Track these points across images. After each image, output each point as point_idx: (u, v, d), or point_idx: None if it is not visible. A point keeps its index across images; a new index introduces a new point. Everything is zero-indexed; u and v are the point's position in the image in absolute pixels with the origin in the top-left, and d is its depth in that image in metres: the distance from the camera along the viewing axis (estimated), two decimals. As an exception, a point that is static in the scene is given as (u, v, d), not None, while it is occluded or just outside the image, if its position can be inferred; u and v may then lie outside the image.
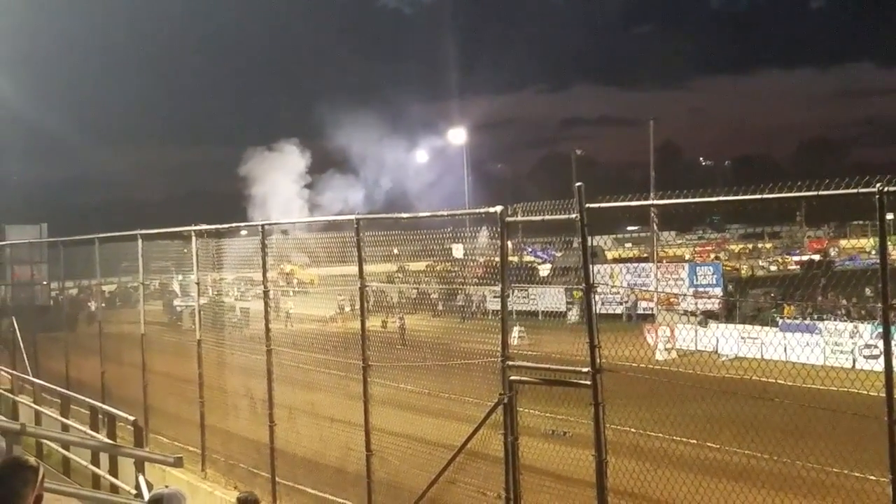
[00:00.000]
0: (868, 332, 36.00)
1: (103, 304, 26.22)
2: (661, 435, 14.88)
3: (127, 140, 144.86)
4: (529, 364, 11.24)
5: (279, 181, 46.95)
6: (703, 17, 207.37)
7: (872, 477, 7.86)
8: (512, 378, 10.72)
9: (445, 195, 66.13)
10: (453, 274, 20.20)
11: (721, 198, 10.11)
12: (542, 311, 41.31)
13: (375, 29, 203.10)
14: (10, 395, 17.73)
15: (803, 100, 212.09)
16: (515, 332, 14.77)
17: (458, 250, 16.22)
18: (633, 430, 12.31)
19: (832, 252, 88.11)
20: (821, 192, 8.63)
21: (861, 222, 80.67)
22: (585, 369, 9.73)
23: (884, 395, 7.68)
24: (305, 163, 48.63)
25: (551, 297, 44.20)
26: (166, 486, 8.51)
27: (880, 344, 8.57)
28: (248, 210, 45.24)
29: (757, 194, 8.97)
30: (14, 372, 24.13)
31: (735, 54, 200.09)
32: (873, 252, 8.53)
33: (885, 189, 7.64)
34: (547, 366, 11.51)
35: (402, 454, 13.25)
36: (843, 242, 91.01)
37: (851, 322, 40.52)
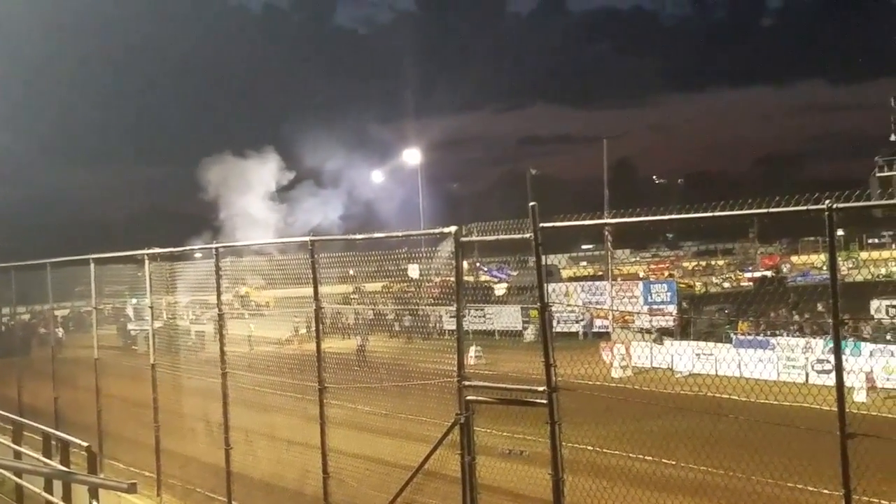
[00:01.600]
0: (820, 347, 36.27)
1: (57, 329, 25.99)
2: (618, 452, 14.95)
3: (87, 159, 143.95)
4: (486, 384, 11.25)
5: (242, 195, 46.74)
6: (658, 37, 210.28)
7: (826, 491, 7.90)
8: (469, 398, 10.72)
9: (404, 215, 66.33)
10: (409, 294, 20.20)
11: (673, 216, 10.19)
12: (499, 330, 41.46)
13: (333, 49, 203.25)
14: (-40, 421, 17.54)
15: (757, 117, 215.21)
16: (472, 351, 14.82)
17: (413, 270, 16.21)
18: (590, 447, 12.32)
19: (784, 268, 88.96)
20: (771, 210, 8.68)
21: (812, 238, 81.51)
22: (541, 388, 9.73)
23: (836, 409, 7.74)
24: (269, 177, 48.39)
25: (507, 316, 44.43)
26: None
27: (832, 358, 8.60)
28: (203, 226, 45.01)
29: (709, 212, 9.02)
30: (-35, 398, 23.89)
31: (689, 73, 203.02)
32: (824, 268, 8.60)
33: (835, 206, 7.69)
34: (503, 385, 11.51)
35: (359, 476, 13.22)
36: (794, 258, 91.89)
37: (804, 337, 40.80)
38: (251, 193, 47.46)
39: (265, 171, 48.51)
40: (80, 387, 20.94)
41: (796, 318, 46.60)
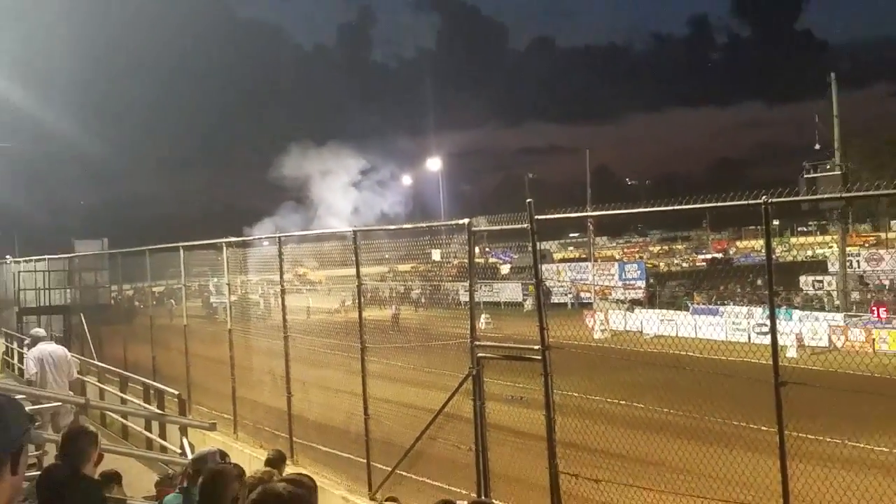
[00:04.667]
0: (759, 313, 36.16)
1: (154, 303, 26.08)
2: (597, 398, 14.87)
3: (171, 166, 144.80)
4: (493, 343, 11.24)
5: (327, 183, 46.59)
6: (628, 68, 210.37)
7: (764, 428, 7.87)
8: (479, 355, 10.71)
9: (428, 209, 66.23)
10: (432, 273, 20.20)
11: (642, 209, 10.19)
12: (504, 302, 41.32)
13: (370, 79, 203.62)
14: (79, 376, 17.65)
15: (709, 131, 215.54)
16: (482, 318, 14.78)
17: (436, 254, 16.21)
18: (575, 394, 12.28)
19: (731, 251, 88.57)
20: (719, 204, 8.69)
21: (754, 227, 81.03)
22: (537, 347, 9.73)
23: (772, 363, 7.73)
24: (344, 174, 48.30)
25: (510, 291, 44.24)
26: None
27: (769, 322, 8.57)
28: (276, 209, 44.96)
29: (671, 206, 9.01)
30: (83, 357, 24.00)
31: (654, 96, 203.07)
32: (763, 251, 8.53)
33: (770, 201, 7.68)
34: (507, 345, 11.52)
35: (393, 417, 13.23)
36: (739, 243, 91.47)
37: (746, 306, 40.68)
38: (326, 187, 47.39)
39: (341, 165, 48.41)
40: (173, 348, 21.01)
41: (739, 290, 46.51)
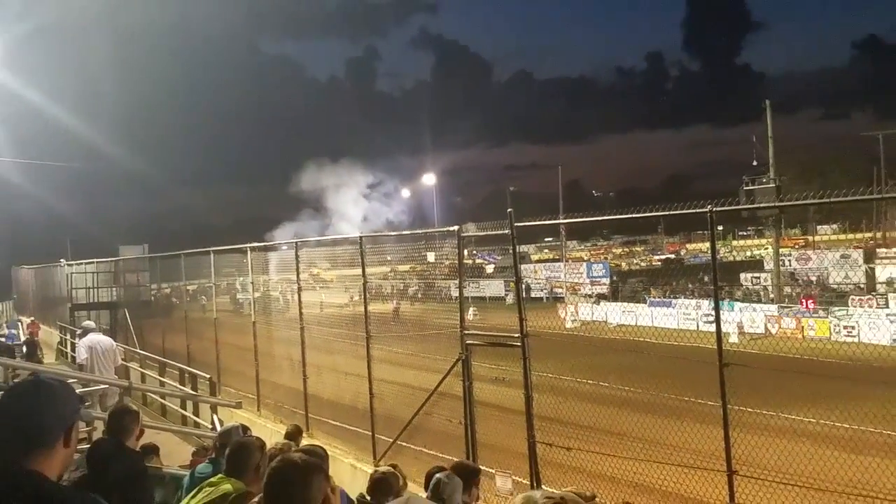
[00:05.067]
0: (706, 305, 36.26)
1: (188, 299, 26.01)
2: (569, 378, 14.91)
3: (202, 180, 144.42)
4: (480, 332, 11.23)
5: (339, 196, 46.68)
6: (596, 96, 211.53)
7: (711, 403, 7.88)
8: (468, 342, 10.71)
9: (423, 217, 66.19)
10: (427, 273, 20.18)
11: (607, 217, 10.21)
12: (489, 297, 41.32)
13: (375, 105, 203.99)
14: (124, 362, 17.62)
15: (664, 150, 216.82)
16: (470, 311, 14.74)
17: (430, 256, 16.20)
18: (550, 375, 12.30)
19: (682, 253, 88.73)
20: (672, 213, 8.68)
21: (702, 232, 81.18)
22: (517, 335, 9.73)
23: (716, 347, 7.76)
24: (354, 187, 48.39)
25: (494, 287, 44.32)
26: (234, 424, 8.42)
27: (714, 313, 8.61)
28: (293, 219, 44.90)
29: (632, 214, 9.06)
30: (127, 346, 23.95)
31: (617, 120, 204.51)
32: (709, 252, 8.56)
33: (714, 209, 7.73)
34: (491, 333, 11.50)
35: (394, 396, 13.21)
36: (689, 246, 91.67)
37: (695, 299, 40.78)
38: (339, 198, 47.45)
39: (352, 180, 48.53)
40: (205, 338, 20.94)
41: (690, 286, 46.58)
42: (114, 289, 32.54)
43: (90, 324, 15.94)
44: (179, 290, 28.29)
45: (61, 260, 36.69)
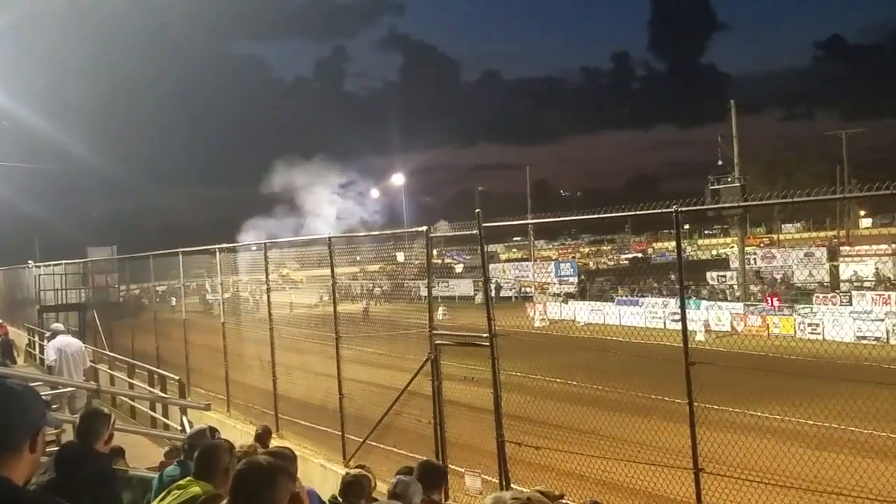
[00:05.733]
0: (672, 303, 36.53)
1: (157, 300, 25.76)
2: (538, 377, 14.94)
3: (172, 180, 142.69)
4: (449, 332, 11.25)
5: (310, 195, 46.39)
6: (563, 97, 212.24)
7: (678, 400, 7.94)
8: (437, 342, 10.71)
9: (393, 218, 66.08)
10: (397, 273, 20.17)
11: (574, 217, 10.28)
12: (458, 296, 41.34)
13: (343, 106, 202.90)
14: (92, 364, 17.41)
15: (630, 150, 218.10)
16: (439, 311, 14.74)
17: (400, 256, 16.18)
18: (519, 374, 12.34)
19: (649, 251, 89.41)
20: (639, 213, 8.76)
21: (668, 231, 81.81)
22: (486, 335, 9.75)
23: (683, 345, 7.82)
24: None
25: (463, 287, 44.32)
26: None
27: (680, 311, 8.68)
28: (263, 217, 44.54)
29: (599, 214, 9.12)
30: (96, 348, 23.67)
31: (584, 121, 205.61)
32: (675, 251, 8.62)
33: (680, 209, 7.78)
34: (460, 333, 11.54)
35: (364, 395, 13.19)
36: (656, 245, 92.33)
37: (662, 298, 41.09)
38: (309, 198, 47.09)
39: (322, 179, 48.17)
40: (174, 338, 20.76)
41: (656, 284, 46.94)
42: (82, 290, 32.15)
43: (59, 326, 15.74)
44: (149, 291, 28.02)
45: (29, 261, 36.16)
